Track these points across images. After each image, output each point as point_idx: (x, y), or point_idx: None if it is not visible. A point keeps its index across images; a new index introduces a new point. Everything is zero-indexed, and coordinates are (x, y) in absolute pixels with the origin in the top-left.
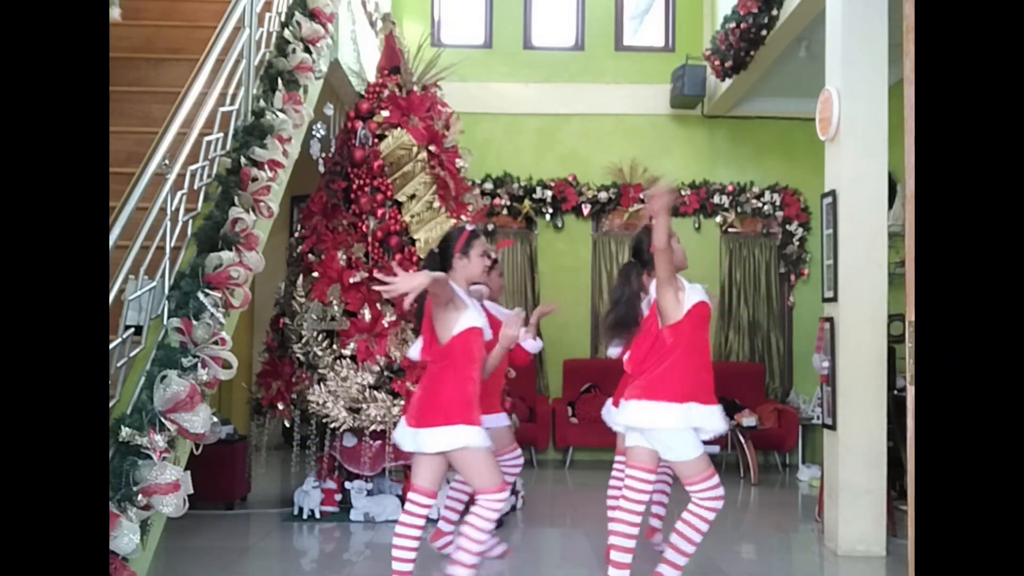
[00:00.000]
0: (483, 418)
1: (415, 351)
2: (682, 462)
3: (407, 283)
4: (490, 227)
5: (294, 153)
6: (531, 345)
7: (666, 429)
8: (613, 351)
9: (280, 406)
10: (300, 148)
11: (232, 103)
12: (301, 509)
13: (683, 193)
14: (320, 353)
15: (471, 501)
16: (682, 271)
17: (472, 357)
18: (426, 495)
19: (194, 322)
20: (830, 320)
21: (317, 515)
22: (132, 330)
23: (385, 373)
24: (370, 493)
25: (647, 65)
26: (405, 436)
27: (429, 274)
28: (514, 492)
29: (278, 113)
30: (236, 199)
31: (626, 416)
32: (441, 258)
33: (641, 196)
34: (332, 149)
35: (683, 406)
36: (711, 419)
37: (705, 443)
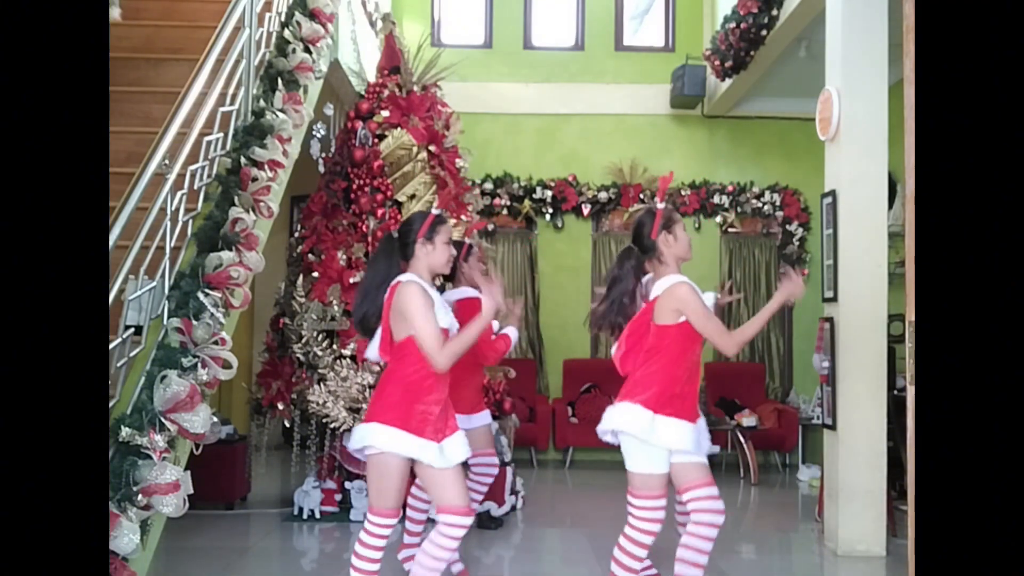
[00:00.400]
0: (457, 417)
1: (372, 351)
2: (633, 473)
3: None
4: (490, 227)
5: (294, 153)
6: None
7: (631, 434)
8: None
9: (280, 406)
10: (300, 148)
11: (232, 103)
12: (301, 509)
13: (683, 193)
14: (320, 353)
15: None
16: (685, 262)
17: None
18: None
19: (194, 322)
20: (830, 320)
21: (317, 515)
22: (132, 330)
23: None
24: None
25: (647, 65)
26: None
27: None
28: (514, 492)
29: (278, 113)
30: (236, 199)
31: (603, 423)
32: (401, 244)
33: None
34: (332, 149)
35: (653, 416)
36: (681, 434)
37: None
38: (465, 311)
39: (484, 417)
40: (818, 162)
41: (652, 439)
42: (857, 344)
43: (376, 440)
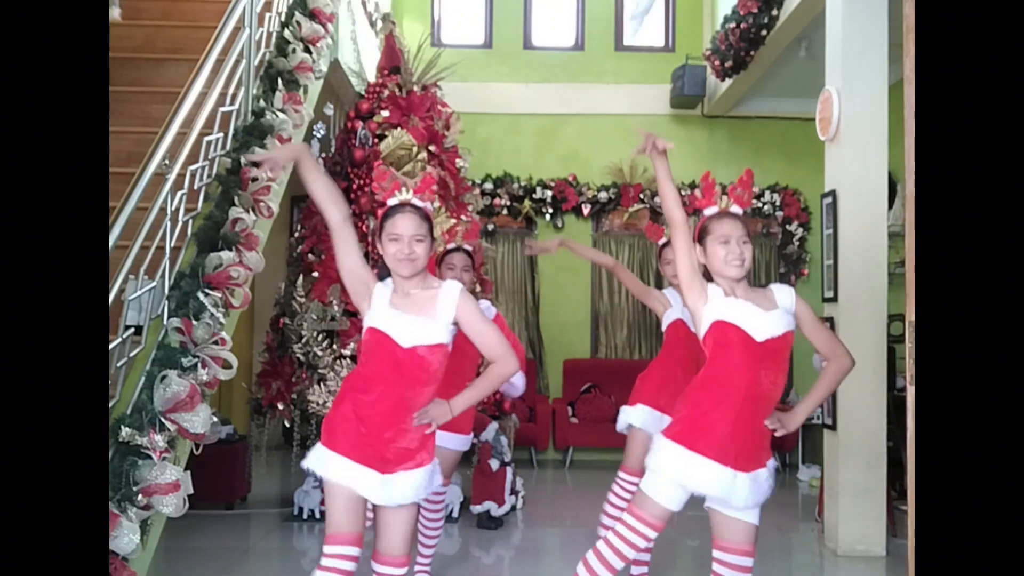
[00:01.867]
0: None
1: None
2: (640, 489)
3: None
4: (490, 227)
5: None
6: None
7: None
8: None
9: (280, 406)
10: None
11: (232, 103)
12: (301, 509)
13: (683, 193)
14: (320, 353)
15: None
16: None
17: (367, 367)
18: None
19: (194, 322)
20: (830, 320)
21: (317, 515)
22: (132, 330)
23: None
24: None
25: (647, 65)
26: None
27: (303, 145)
28: (514, 492)
29: (278, 113)
30: (236, 199)
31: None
32: None
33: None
34: (332, 149)
35: (688, 454)
36: (704, 475)
37: None
38: None
39: (465, 441)
40: (818, 162)
41: (669, 462)
42: (857, 344)
43: (316, 464)
